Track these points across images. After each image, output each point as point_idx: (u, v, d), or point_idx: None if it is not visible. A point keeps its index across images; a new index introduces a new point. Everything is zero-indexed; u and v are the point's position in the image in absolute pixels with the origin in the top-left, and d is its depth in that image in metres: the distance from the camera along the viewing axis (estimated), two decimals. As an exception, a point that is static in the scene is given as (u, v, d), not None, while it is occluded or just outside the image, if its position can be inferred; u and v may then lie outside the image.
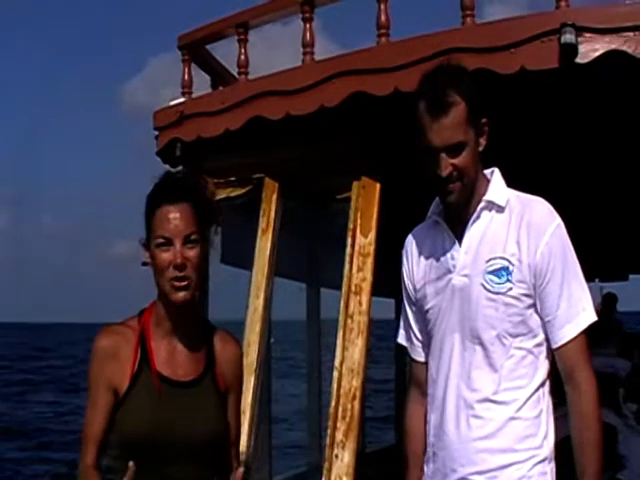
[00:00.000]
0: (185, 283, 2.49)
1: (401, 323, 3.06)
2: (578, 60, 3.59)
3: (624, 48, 3.55)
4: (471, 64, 3.58)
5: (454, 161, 2.63)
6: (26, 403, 29.45)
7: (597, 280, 10.03)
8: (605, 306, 9.79)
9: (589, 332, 2.71)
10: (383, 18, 4.18)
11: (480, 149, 2.69)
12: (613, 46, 3.56)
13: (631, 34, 3.55)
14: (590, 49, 3.59)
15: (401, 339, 3.07)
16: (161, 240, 2.49)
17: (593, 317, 2.70)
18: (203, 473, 2.58)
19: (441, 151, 2.62)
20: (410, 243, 2.98)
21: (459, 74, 2.72)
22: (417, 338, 2.97)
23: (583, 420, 2.65)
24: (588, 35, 3.59)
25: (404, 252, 2.99)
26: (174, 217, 2.51)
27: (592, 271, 9.33)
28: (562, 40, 3.56)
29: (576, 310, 2.68)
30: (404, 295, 3.00)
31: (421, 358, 2.95)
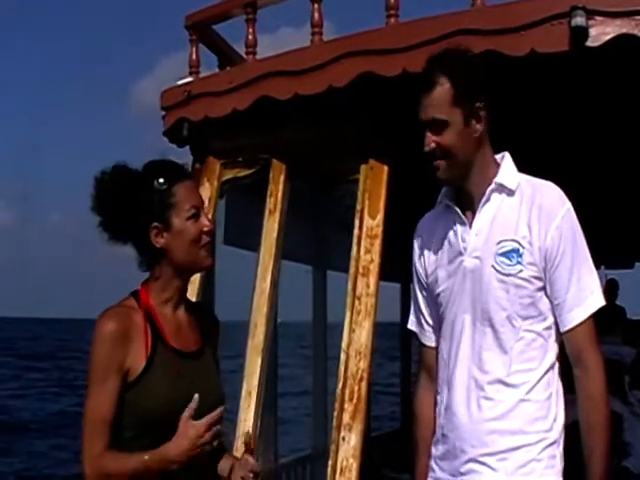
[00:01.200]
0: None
1: (411, 309, 3.09)
2: (588, 43, 3.56)
3: (635, 32, 3.51)
4: (480, 46, 3.57)
5: (436, 138, 2.72)
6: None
7: (603, 267, 10.05)
8: (608, 293, 9.79)
9: (596, 318, 2.73)
10: (392, -1, 4.15)
11: (476, 134, 2.75)
12: (624, 30, 3.53)
13: (643, 17, 3.52)
14: (601, 32, 3.56)
15: (411, 325, 3.10)
16: (194, 211, 2.59)
17: (602, 301, 2.73)
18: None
19: (425, 127, 2.73)
20: (421, 229, 3.02)
21: (453, 57, 2.79)
22: (427, 323, 3.00)
23: (591, 402, 2.68)
24: (599, 18, 3.56)
25: (415, 238, 3.03)
26: (195, 190, 2.71)
27: (598, 258, 9.31)
28: (572, 23, 3.53)
29: (585, 294, 2.71)
30: (415, 280, 3.04)
31: (431, 343, 2.98)
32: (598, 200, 6.58)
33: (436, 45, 3.59)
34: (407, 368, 9.95)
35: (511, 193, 2.76)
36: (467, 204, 2.82)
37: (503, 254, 2.70)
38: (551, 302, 2.72)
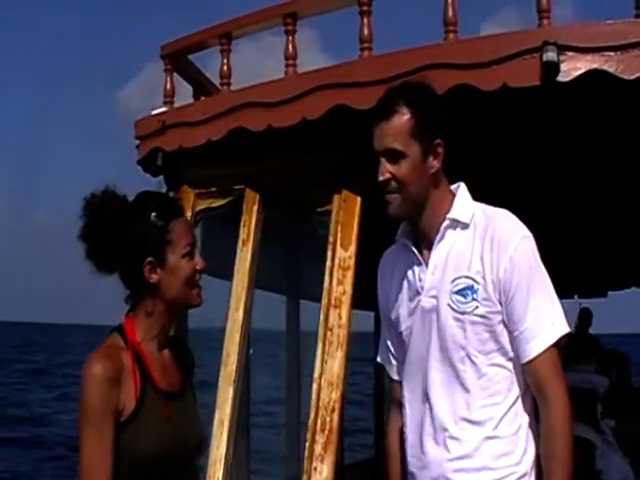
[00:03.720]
0: None
1: (380, 342, 3.07)
2: (560, 78, 3.59)
3: (605, 67, 3.56)
4: (452, 80, 3.61)
5: (392, 169, 2.67)
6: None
7: (576, 296, 10.08)
8: (581, 321, 9.83)
9: (564, 346, 2.68)
10: (366, 32, 4.18)
11: (432, 170, 2.70)
12: (595, 65, 3.57)
13: (612, 53, 3.55)
14: (572, 67, 3.59)
15: (380, 358, 3.09)
16: (189, 249, 2.57)
17: (563, 330, 2.66)
18: (197, 476, 2.71)
19: (380, 156, 2.68)
20: (383, 266, 3.00)
21: (417, 90, 2.76)
22: (395, 357, 2.99)
23: (552, 433, 2.61)
24: (570, 54, 3.59)
25: (379, 274, 3.01)
26: (190, 227, 2.70)
27: (571, 287, 9.37)
28: (544, 58, 3.57)
29: (543, 324, 2.65)
30: (381, 315, 3.02)
31: (398, 377, 2.96)
32: (571, 230, 6.63)
33: (409, 78, 3.61)
34: (380, 396, 9.91)
35: (465, 226, 2.72)
36: (423, 241, 2.79)
37: (458, 292, 2.66)
38: (510, 334, 2.67)
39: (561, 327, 2.67)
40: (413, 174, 2.67)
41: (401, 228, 2.88)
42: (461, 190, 2.80)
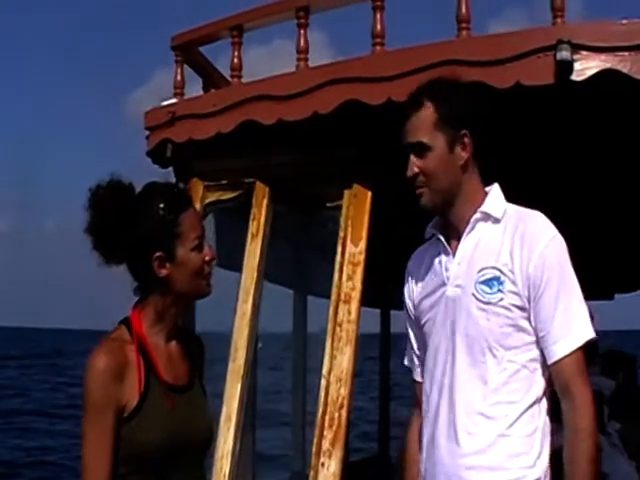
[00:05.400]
0: None
1: (407, 346, 3.05)
2: (573, 77, 3.58)
3: (619, 67, 3.54)
4: (465, 77, 3.57)
5: (419, 163, 2.70)
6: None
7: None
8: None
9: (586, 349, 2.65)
10: (379, 27, 4.17)
11: (460, 162, 2.72)
12: (608, 65, 3.56)
13: (626, 53, 3.54)
14: (585, 67, 3.58)
15: (406, 361, 3.08)
16: (198, 241, 2.54)
17: (591, 334, 2.65)
18: (203, 472, 2.66)
19: (409, 151, 2.71)
20: (411, 263, 3.00)
21: (441, 83, 2.79)
22: (418, 358, 2.97)
23: (578, 436, 2.57)
24: (584, 53, 3.58)
25: (406, 273, 3.00)
26: (199, 218, 2.65)
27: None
28: (558, 57, 3.55)
29: (572, 325, 2.63)
30: (406, 317, 3.00)
31: (422, 379, 2.92)
32: (581, 231, 6.61)
33: (421, 75, 3.61)
34: (386, 392, 9.90)
35: (496, 221, 2.72)
36: (453, 233, 2.79)
37: (483, 282, 2.65)
38: (536, 333, 2.64)
39: (588, 331, 2.65)
40: (440, 166, 2.69)
41: (431, 222, 2.89)
42: (495, 189, 2.82)
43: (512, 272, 2.63)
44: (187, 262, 2.52)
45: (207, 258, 2.56)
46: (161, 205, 2.50)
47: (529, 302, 2.64)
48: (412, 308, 2.93)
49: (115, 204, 2.49)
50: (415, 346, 2.97)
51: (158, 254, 2.49)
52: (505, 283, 2.63)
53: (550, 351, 2.64)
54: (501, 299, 2.63)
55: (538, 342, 2.66)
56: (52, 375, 41.40)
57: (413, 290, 2.93)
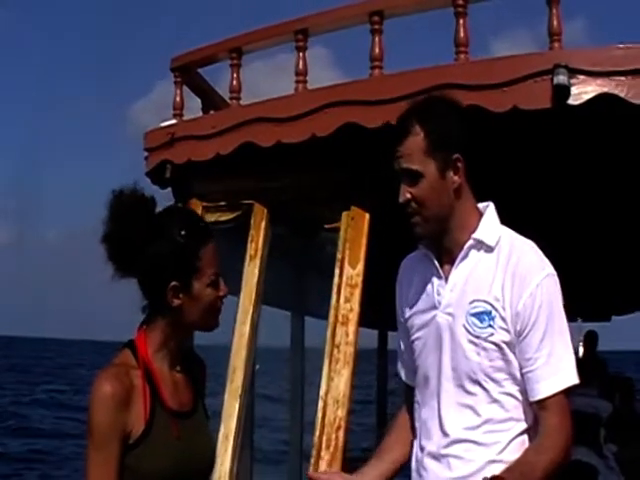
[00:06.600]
0: None
1: (397, 349, 3.05)
2: (570, 102, 3.60)
3: (616, 92, 3.56)
4: (463, 101, 3.60)
5: (411, 190, 2.65)
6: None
7: (579, 320, 10.02)
8: (587, 344, 9.79)
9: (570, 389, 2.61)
10: (377, 50, 4.20)
11: (453, 186, 2.66)
12: (605, 89, 3.58)
13: (623, 78, 3.57)
14: (582, 91, 3.61)
15: (398, 366, 3.07)
16: (214, 277, 2.49)
17: (574, 379, 2.60)
18: None
19: (401, 178, 2.67)
20: (403, 271, 2.97)
21: (430, 105, 2.73)
22: (409, 364, 2.94)
23: (540, 447, 2.56)
24: (581, 77, 3.61)
25: (397, 279, 2.97)
26: (217, 253, 2.52)
27: (575, 310, 9.34)
28: (555, 81, 3.58)
29: (555, 369, 2.59)
30: (398, 321, 2.98)
31: (412, 383, 2.92)
32: (577, 253, 6.62)
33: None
34: (383, 408, 9.89)
35: (489, 249, 2.67)
36: (446, 255, 2.74)
37: (475, 314, 2.62)
38: (521, 369, 2.61)
39: (572, 376, 2.61)
40: (432, 193, 2.64)
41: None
42: (489, 210, 2.76)
43: (503, 308, 2.60)
44: (202, 297, 2.47)
45: (221, 294, 2.52)
46: (182, 232, 2.43)
47: (517, 337, 2.61)
48: (402, 319, 2.91)
49: (138, 215, 2.43)
50: (406, 353, 2.95)
51: (174, 284, 2.43)
52: (496, 319, 2.60)
53: (531, 390, 2.61)
54: (491, 334, 2.60)
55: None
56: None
57: (403, 302, 2.90)
